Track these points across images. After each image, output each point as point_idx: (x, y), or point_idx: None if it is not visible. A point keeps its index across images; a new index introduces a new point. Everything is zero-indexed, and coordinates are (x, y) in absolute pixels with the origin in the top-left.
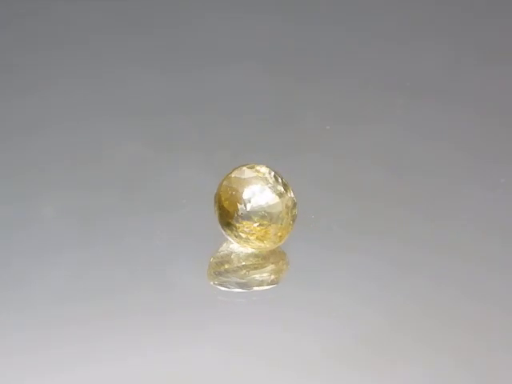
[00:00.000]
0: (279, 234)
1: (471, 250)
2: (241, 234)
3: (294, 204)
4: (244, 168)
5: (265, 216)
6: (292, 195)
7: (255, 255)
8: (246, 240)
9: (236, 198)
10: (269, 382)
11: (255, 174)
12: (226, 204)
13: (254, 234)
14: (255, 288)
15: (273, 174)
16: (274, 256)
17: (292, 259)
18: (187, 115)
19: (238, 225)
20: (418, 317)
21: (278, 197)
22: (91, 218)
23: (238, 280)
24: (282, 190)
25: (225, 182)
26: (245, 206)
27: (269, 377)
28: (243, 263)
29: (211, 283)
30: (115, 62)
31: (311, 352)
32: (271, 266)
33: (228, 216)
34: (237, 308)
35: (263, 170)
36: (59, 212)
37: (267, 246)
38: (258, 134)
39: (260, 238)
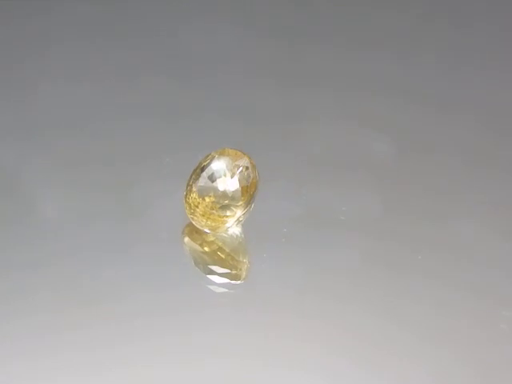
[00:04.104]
0: (203, 219)
1: (470, 247)
2: (187, 193)
3: (230, 212)
4: (244, 157)
5: (204, 194)
6: (237, 210)
7: (230, 250)
8: (188, 202)
9: (205, 165)
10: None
11: (237, 165)
12: (201, 162)
13: (192, 201)
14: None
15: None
16: (237, 261)
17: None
18: (187, 115)
19: (190, 183)
20: (396, 312)
21: (215, 193)
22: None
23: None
24: (232, 193)
25: (218, 150)
26: (201, 174)
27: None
28: (220, 244)
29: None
30: (119, 66)
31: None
32: (232, 265)
33: (194, 172)
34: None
35: (244, 168)
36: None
37: (195, 221)
38: (261, 134)
39: (193, 208)
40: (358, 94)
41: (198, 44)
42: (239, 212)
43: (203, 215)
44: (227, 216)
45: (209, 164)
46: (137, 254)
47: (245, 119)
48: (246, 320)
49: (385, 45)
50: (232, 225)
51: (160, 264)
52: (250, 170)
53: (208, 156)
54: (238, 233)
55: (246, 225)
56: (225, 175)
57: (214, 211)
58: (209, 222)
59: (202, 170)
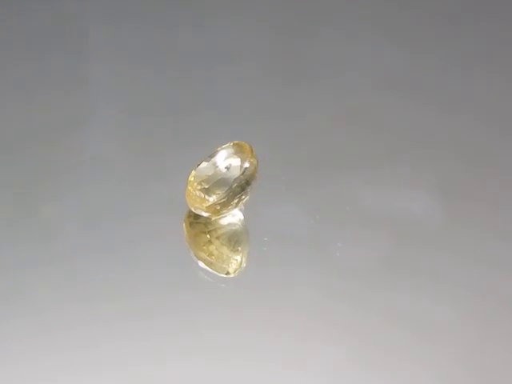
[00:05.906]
0: (187, 197)
1: (471, 248)
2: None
3: (208, 196)
4: (247, 155)
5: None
6: (212, 196)
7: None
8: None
9: (215, 151)
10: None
11: (242, 158)
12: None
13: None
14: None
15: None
16: (227, 256)
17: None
18: (187, 115)
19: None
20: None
21: (205, 175)
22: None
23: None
24: (216, 181)
25: (236, 142)
26: (207, 158)
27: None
28: (214, 236)
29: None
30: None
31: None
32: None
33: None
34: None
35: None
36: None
37: (187, 199)
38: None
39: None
40: (359, 94)
41: (198, 44)
42: (213, 198)
43: (189, 195)
44: (203, 199)
45: (219, 151)
46: (137, 253)
47: (245, 119)
48: (246, 320)
49: (385, 44)
50: (209, 210)
51: (160, 264)
52: (243, 167)
53: (227, 144)
54: (237, 230)
55: (245, 223)
56: (219, 164)
57: (196, 191)
58: (188, 200)
59: (211, 155)
